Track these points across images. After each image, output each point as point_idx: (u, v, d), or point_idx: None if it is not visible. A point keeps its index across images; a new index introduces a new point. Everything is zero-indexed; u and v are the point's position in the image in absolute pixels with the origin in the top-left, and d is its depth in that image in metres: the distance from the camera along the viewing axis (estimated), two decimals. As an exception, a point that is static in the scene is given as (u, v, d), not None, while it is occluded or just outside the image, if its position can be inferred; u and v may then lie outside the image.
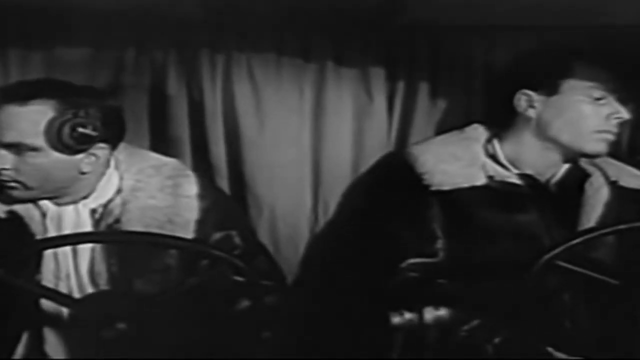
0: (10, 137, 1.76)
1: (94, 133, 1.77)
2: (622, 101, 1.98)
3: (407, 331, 1.57)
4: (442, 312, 1.57)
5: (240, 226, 1.99)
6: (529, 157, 2.01)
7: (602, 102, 1.96)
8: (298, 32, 2.17)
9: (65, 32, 2.09)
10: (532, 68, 2.03)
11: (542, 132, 2.00)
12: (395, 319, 1.55)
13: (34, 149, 1.76)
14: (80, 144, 1.77)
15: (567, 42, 2.00)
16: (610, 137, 1.97)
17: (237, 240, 1.94)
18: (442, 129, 2.16)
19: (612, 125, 1.96)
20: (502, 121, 2.05)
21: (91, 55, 2.13)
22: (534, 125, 2.00)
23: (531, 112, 2.00)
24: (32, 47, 2.10)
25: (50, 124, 1.75)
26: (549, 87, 1.98)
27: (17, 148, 1.76)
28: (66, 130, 1.75)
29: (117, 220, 1.82)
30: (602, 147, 1.98)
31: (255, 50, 2.17)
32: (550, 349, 1.83)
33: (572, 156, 2.02)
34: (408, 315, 1.55)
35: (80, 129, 1.76)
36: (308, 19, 2.10)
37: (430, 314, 1.56)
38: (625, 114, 1.96)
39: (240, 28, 2.15)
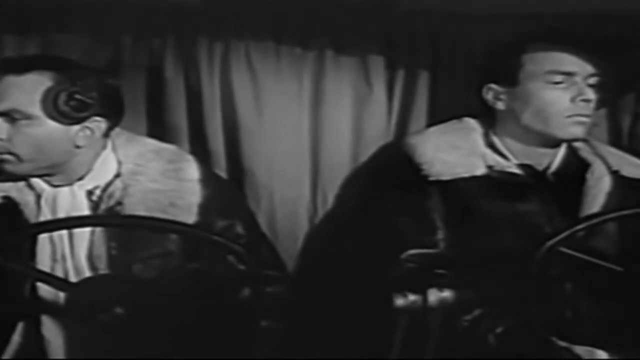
0: (5, 106, 1.76)
1: (90, 101, 1.78)
2: (603, 85, 1.96)
3: (411, 315, 1.55)
4: (447, 293, 1.55)
5: (243, 215, 1.98)
6: (515, 147, 2.00)
7: (562, 85, 1.93)
8: (297, 20, 2.16)
9: (62, 18, 2.08)
10: (491, 61, 2.03)
11: (516, 123, 1.98)
12: (399, 301, 1.52)
13: (29, 117, 1.76)
14: (77, 112, 1.77)
15: (568, 28, 1.99)
16: (584, 119, 1.94)
17: (240, 229, 1.92)
18: (442, 118, 2.13)
19: (581, 107, 1.93)
20: (487, 113, 2.04)
21: (88, 42, 2.11)
22: (507, 117, 1.99)
23: (500, 105, 2.00)
24: (27, 33, 2.08)
25: (48, 92, 1.76)
26: (509, 79, 1.97)
27: (11, 117, 1.76)
28: (63, 97, 1.76)
29: (119, 203, 1.81)
30: (577, 131, 1.95)
31: (254, 39, 2.16)
32: (553, 338, 1.81)
33: (553, 143, 2.00)
34: (412, 297, 1.53)
35: (77, 96, 1.76)
36: (307, 6, 2.09)
37: (434, 295, 1.54)
38: (590, 95, 1.93)
39: (239, 16, 2.14)
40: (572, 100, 1.93)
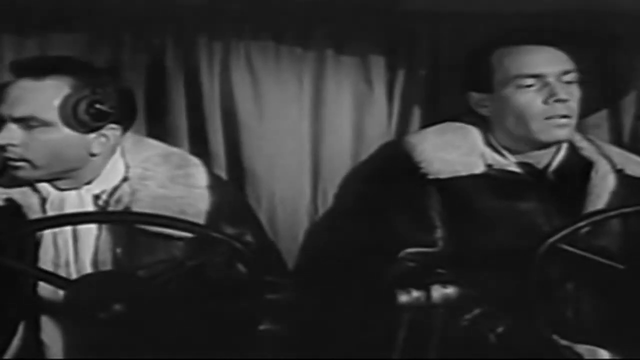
0: (22, 111, 1.75)
1: (110, 110, 1.77)
2: (585, 80, 1.95)
3: (413, 312, 1.54)
4: (450, 290, 1.54)
5: (251, 223, 1.98)
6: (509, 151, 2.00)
7: (534, 88, 1.92)
8: (297, 20, 2.15)
9: (61, 17, 2.07)
10: (466, 68, 2.04)
11: (503, 129, 1.98)
12: (402, 298, 1.52)
13: (46, 124, 1.74)
14: (96, 122, 1.77)
15: (569, 28, 1.99)
16: (564, 121, 1.92)
17: (249, 237, 1.91)
18: (442, 118, 2.12)
19: (558, 108, 1.91)
20: (480, 118, 2.03)
21: (87, 41, 2.10)
22: (494, 122, 1.99)
23: (484, 111, 2.00)
24: (26, 32, 2.07)
25: (66, 99, 1.75)
26: (484, 86, 1.98)
27: (27, 123, 1.75)
28: (83, 106, 1.75)
29: (127, 209, 1.80)
30: (560, 134, 1.94)
31: (254, 38, 2.16)
32: (554, 337, 1.80)
33: (541, 146, 1.98)
34: (415, 294, 1.52)
35: (98, 106, 1.75)
36: (307, 6, 2.09)
37: (437, 292, 1.53)
38: (563, 94, 1.90)
39: (239, 15, 2.13)
40: (545, 102, 1.91)
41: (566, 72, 1.92)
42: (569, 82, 1.93)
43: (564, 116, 1.92)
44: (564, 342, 1.80)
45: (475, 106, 2.01)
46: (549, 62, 1.92)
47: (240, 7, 2.10)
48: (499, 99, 1.96)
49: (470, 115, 2.05)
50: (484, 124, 2.02)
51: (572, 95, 1.93)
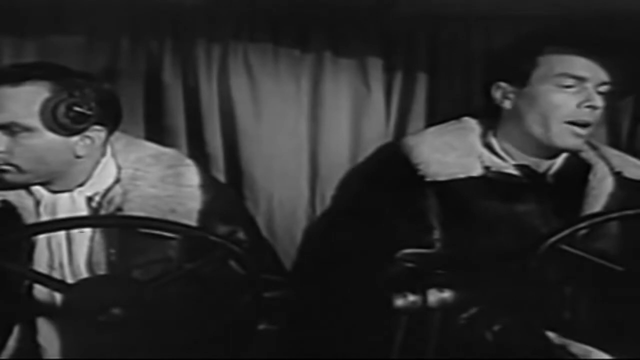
0: (3, 118, 1.74)
1: (89, 112, 1.76)
2: (615, 92, 1.95)
3: (410, 316, 1.54)
4: (446, 294, 1.55)
5: (244, 221, 1.98)
6: (513, 152, 2.00)
7: (572, 90, 1.92)
8: (295, 22, 2.16)
9: (60, 19, 2.07)
10: (503, 59, 2.02)
11: (519, 126, 1.97)
12: (399, 302, 1.52)
13: (28, 129, 1.74)
14: (76, 124, 1.76)
15: (567, 30, 1.98)
16: (583, 131, 1.93)
17: (241, 235, 1.92)
18: (440, 120, 2.13)
19: (586, 113, 1.92)
20: (490, 113, 2.03)
21: (85, 44, 2.11)
22: (512, 117, 1.99)
23: (507, 104, 1.99)
24: (25, 34, 2.08)
25: (45, 103, 1.74)
26: (520, 79, 1.96)
27: (10, 129, 1.74)
28: (62, 109, 1.74)
29: (119, 209, 1.80)
30: (575, 142, 1.94)
31: (252, 40, 2.16)
32: (550, 335, 1.80)
33: (549, 153, 1.99)
34: (411, 298, 1.52)
35: (76, 108, 1.75)
36: (305, 8, 2.09)
37: (434, 296, 1.53)
38: (597, 102, 1.91)
39: (237, 18, 2.14)
40: (579, 105, 1.92)
41: (604, 83, 1.93)
42: (601, 93, 1.93)
43: (586, 125, 1.93)
44: (558, 342, 1.80)
45: (500, 97, 1.99)
46: (593, 69, 1.92)
47: (238, 9, 2.11)
48: (530, 94, 1.95)
49: (474, 112, 2.05)
50: (489, 121, 2.02)
51: (600, 105, 1.94)
